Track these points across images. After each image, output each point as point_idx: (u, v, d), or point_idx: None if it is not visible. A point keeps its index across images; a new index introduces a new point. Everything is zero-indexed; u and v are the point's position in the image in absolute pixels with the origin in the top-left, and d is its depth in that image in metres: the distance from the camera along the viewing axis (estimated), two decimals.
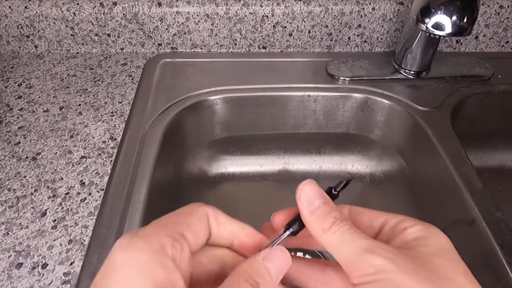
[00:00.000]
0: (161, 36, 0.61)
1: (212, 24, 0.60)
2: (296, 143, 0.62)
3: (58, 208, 0.41)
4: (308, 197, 0.22)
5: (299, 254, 0.47)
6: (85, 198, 0.42)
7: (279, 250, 0.21)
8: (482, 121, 0.60)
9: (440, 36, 0.49)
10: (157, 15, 0.59)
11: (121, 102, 0.54)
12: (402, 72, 0.57)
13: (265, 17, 0.59)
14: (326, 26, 0.60)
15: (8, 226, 0.39)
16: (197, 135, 0.58)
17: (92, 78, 0.58)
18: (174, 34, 0.61)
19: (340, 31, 0.61)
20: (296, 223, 0.22)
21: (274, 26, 0.60)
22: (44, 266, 0.36)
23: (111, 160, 0.46)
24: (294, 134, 0.61)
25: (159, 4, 0.58)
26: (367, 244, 0.19)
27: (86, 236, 0.38)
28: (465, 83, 0.57)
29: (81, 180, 0.43)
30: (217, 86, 0.56)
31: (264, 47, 0.63)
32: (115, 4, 0.58)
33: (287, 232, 0.22)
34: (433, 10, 0.47)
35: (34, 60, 0.61)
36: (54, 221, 0.39)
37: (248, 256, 0.22)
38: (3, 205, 0.41)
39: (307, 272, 0.23)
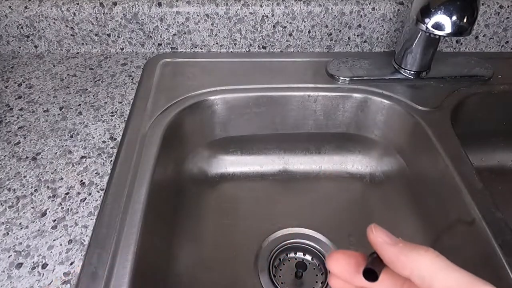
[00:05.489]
0: (161, 36, 0.61)
1: (212, 24, 0.60)
2: (296, 143, 0.62)
3: (58, 208, 0.41)
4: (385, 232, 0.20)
5: None
6: (85, 198, 0.42)
7: None
8: (482, 121, 0.60)
9: (440, 36, 0.49)
10: (157, 15, 0.59)
11: (121, 102, 0.54)
12: (402, 72, 0.57)
13: (265, 17, 0.59)
14: (326, 26, 0.60)
15: (8, 226, 0.39)
16: (197, 135, 0.58)
17: (92, 78, 0.58)
18: (174, 34, 0.61)
19: (340, 31, 0.61)
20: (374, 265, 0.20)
21: (274, 26, 0.60)
22: (44, 266, 0.36)
23: (111, 160, 0.46)
24: (294, 134, 0.60)
25: (159, 4, 0.58)
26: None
27: (86, 236, 0.38)
28: (465, 83, 0.57)
29: (81, 180, 0.43)
30: (217, 86, 0.56)
31: (264, 47, 0.63)
32: (115, 4, 0.58)
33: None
34: (433, 10, 0.47)
35: (34, 60, 0.61)
36: (54, 221, 0.39)
37: None
38: (3, 205, 0.41)
39: None
